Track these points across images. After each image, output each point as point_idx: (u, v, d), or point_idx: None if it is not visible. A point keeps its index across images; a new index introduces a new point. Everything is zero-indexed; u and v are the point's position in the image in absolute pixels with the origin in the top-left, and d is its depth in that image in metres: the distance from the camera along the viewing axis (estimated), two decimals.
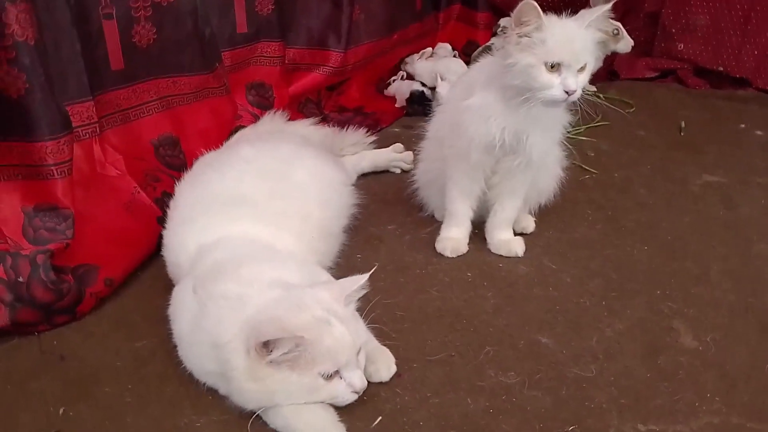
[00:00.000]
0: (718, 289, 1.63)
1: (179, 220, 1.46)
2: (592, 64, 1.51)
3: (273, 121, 2.11)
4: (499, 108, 1.56)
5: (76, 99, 1.55)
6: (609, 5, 1.52)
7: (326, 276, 1.44)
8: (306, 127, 2.18)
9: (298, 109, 2.42)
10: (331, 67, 2.41)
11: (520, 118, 1.56)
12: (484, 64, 1.69)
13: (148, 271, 1.60)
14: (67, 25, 1.51)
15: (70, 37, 1.52)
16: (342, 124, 2.50)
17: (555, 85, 1.46)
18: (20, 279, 1.34)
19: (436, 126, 1.80)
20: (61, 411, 1.21)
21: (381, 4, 2.60)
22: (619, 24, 2.88)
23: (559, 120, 1.66)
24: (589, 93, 2.94)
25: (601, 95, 2.96)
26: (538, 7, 1.42)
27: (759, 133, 2.62)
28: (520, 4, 1.43)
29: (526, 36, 1.45)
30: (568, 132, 2.48)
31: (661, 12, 3.11)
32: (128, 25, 1.67)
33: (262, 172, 1.53)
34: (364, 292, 1.26)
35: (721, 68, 3.05)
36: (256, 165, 1.55)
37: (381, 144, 2.31)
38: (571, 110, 1.68)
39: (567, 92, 1.46)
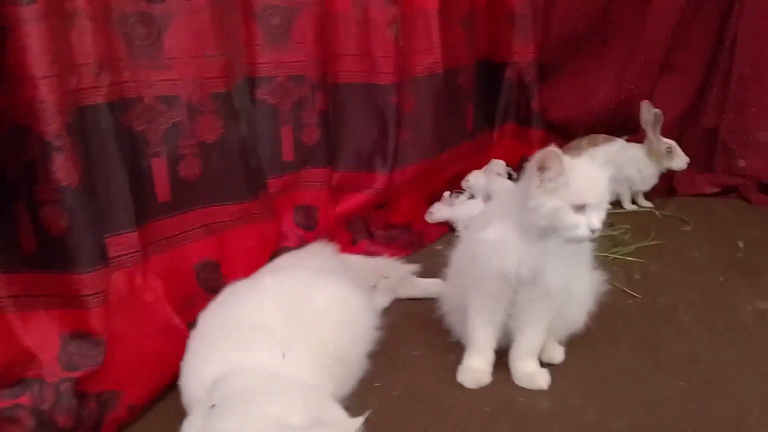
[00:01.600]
0: None
1: (198, 348, 1.53)
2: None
3: (322, 252, 2.16)
4: (515, 241, 1.59)
5: (122, 230, 1.69)
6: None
7: (336, 410, 1.45)
8: (352, 258, 2.26)
9: (345, 227, 2.51)
10: (376, 188, 2.50)
11: (537, 251, 1.58)
12: (503, 196, 1.73)
13: (171, 395, 1.66)
14: (117, 165, 1.67)
15: (119, 176, 1.67)
16: (388, 240, 2.58)
17: (581, 225, 1.50)
18: (44, 406, 1.43)
19: (458, 253, 1.84)
20: None
21: (429, 126, 2.70)
22: (672, 142, 2.88)
23: (580, 251, 1.66)
24: (645, 209, 2.95)
25: (658, 212, 2.94)
26: (562, 155, 1.48)
27: None
28: (544, 152, 1.49)
29: (553, 181, 1.50)
30: (615, 252, 2.49)
31: (719, 128, 3.07)
32: (175, 161, 1.82)
33: (281, 300, 1.59)
34: None
35: None
36: (276, 292, 1.62)
37: (423, 258, 2.37)
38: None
39: (592, 230, 1.50)
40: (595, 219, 1.50)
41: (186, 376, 1.51)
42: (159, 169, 1.80)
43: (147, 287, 1.75)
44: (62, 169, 1.44)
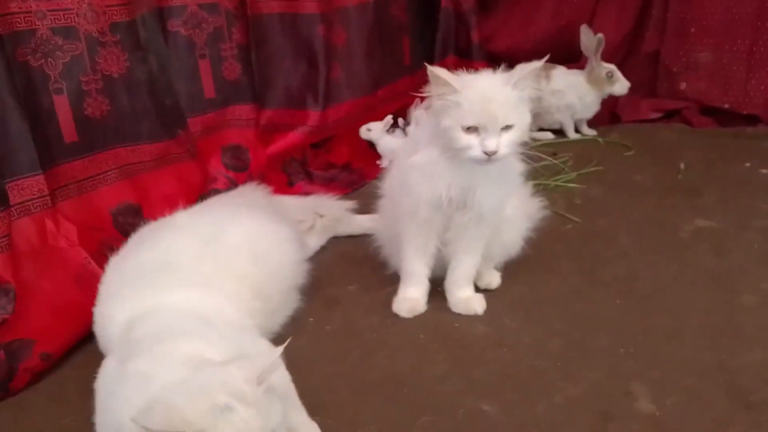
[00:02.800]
0: (690, 347, 1.51)
1: (108, 293, 1.43)
2: (525, 121, 1.46)
3: (252, 194, 2.06)
4: (443, 164, 1.52)
5: (26, 173, 1.57)
6: (540, 63, 1.45)
7: (262, 344, 1.38)
8: (285, 199, 2.17)
9: (281, 169, 2.42)
10: (310, 126, 2.40)
11: (465, 173, 1.52)
12: (428, 120, 1.65)
13: (92, 343, 1.57)
14: (12, 103, 1.53)
15: (17, 115, 1.54)
16: (327, 180, 2.51)
17: (474, 146, 1.43)
18: None
19: (389, 183, 1.76)
20: None
21: (363, 60, 2.60)
22: (612, 67, 2.83)
23: (510, 173, 1.60)
24: (588, 137, 2.91)
25: (600, 139, 2.91)
26: (445, 74, 1.42)
27: (765, 171, 2.48)
28: (429, 71, 1.42)
29: (442, 99, 1.43)
30: (556, 180, 2.45)
31: (660, 51, 3.03)
32: (79, 98, 1.70)
33: (193, 237, 1.51)
34: (281, 365, 1.21)
35: (727, 105, 2.93)
36: (188, 230, 1.53)
37: (361, 196, 2.30)
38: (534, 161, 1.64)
39: (486, 153, 1.42)
40: (489, 142, 1.41)
41: (99, 321, 1.42)
42: (62, 106, 1.68)
43: (60, 233, 1.64)
44: None
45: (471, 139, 1.42)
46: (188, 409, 1.06)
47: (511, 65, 1.50)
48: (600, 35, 2.76)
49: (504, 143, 1.42)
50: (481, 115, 1.40)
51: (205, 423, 1.05)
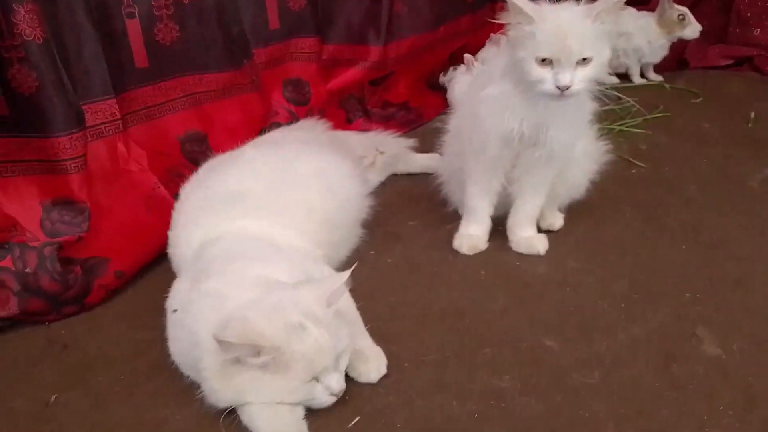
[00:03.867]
0: (757, 296, 1.49)
1: (183, 218, 1.48)
2: (603, 56, 1.40)
3: (313, 128, 2.08)
4: (517, 99, 1.49)
5: (99, 97, 1.60)
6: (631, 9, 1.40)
7: (327, 271, 1.41)
8: (346, 134, 2.18)
9: (339, 105, 2.41)
10: (371, 62, 2.38)
11: (539, 109, 1.49)
12: (502, 54, 1.61)
13: (162, 264, 1.62)
14: (88, 25, 1.55)
15: (91, 37, 1.56)
16: (385, 119, 2.49)
17: (547, 80, 1.39)
18: (27, 270, 1.40)
19: (457, 119, 1.74)
20: (53, 398, 1.25)
21: None
22: (684, 9, 2.72)
23: (583, 111, 1.56)
24: (654, 82, 2.82)
25: (667, 85, 2.82)
26: (522, 2, 1.37)
27: None
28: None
29: (518, 29, 1.39)
30: (622, 124, 2.39)
31: None
32: (151, 23, 1.71)
33: (264, 169, 1.53)
34: (346, 290, 1.24)
35: None
36: (258, 163, 1.56)
37: (420, 135, 2.29)
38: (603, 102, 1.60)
39: (559, 87, 1.38)
40: (563, 76, 1.37)
41: (173, 243, 1.48)
42: (134, 31, 1.69)
43: (131, 158, 1.68)
44: (25, 21, 1.34)
45: (544, 73, 1.38)
46: (265, 325, 1.10)
47: None
48: None
49: (579, 78, 1.38)
50: (556, 48, 1.36)
51: (281, 339, 1.09)
